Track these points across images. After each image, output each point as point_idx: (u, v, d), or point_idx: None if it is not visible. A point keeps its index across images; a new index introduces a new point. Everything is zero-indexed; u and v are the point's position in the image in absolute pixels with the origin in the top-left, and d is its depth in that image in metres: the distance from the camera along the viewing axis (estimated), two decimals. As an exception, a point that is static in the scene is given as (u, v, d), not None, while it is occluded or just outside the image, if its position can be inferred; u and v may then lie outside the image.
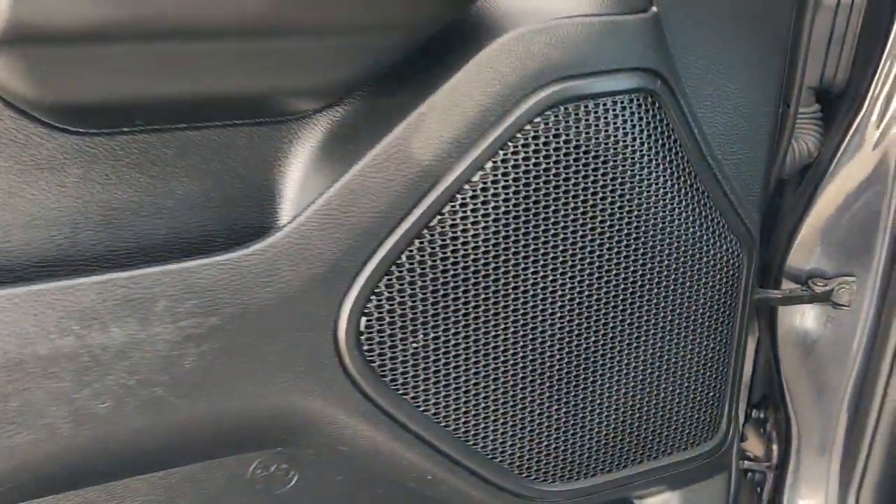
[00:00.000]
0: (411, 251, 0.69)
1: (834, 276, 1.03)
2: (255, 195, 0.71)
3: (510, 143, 0.68)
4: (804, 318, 1.08)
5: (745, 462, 1.19)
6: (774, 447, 1.18)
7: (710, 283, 0.83)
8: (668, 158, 0.75)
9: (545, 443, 0.82)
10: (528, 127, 0.68)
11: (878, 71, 0.93)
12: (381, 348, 0.71)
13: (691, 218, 0.78)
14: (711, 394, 0.90)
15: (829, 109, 1.00)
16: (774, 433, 1.18)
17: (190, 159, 0.69)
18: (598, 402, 0.83)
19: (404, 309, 0.70)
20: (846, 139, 0.97)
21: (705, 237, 0.80)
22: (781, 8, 0.82)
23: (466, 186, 0.69)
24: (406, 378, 0.73)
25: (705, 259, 0.81)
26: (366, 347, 0.70)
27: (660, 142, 0.74)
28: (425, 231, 0.69)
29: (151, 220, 0.69)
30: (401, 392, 0.73)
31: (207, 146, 0.69)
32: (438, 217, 0.69)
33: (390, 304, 0.70)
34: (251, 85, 0.65)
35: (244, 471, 0.78)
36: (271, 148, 0.71)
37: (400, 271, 0.69)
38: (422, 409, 0.75)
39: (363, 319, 0.69)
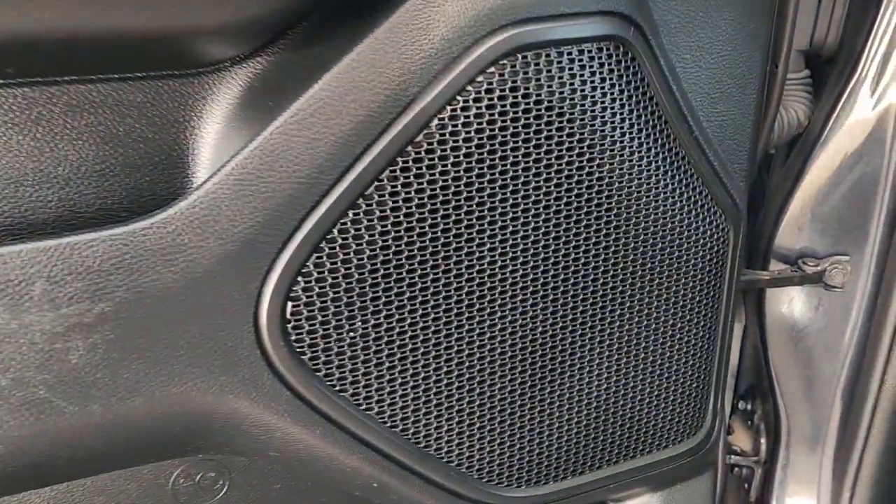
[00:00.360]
0: (345, 223, 0.59)
1: (826, 256, 0.98)
2: (163, 161, 0.61)
3: (459, 98, 0.59)
4: (794, 301, 1.04)
5: (732, 457, 1.16)
6: (763, 441, 1.15)
7: (693, 262, 0.74)
8: (642, 118, 0.66)
9: (508, 443, 0.74)
10: (480, 78, 0.59)
11: (874, 30, 0.88)
12: (312, 338, 0.62)
13: (670, 187, 0.70)
14: (695, 385, 0.82)
15: (819, 75, 0.95)
16: (762, 426, 1.15)
17: (84, 119, 0.59)
18: (568, 396, 0.75)
19: (338, 291, 0.61)
20: (839, 106, 0.92)
21: (686, 209, 0.71)
22: None
23: (409, 148, 0.59)
24: (343, 372, 0.64)
25: (687, 234, 0.73)
26: (294, 337, 0.61)
27: (633, 98, 0.65)
28: (361, 200, 0.59)
29: (39, 191, 0.58)
30: (337, 389, 0.64)
31: (104, 103, 0.59)
32: (376, 184, 0.59)
33: (321, 286, 0.60)
34: (151, 24, 0.55)
35: (164, 481, 0.69)
36: (182, 105, 0.61)
37: (332, 247, 0.60)
38: (363, 408, 0.65)
39: (289, 304, 0.60)
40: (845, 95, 0.91)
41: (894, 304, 0.94)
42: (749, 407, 1.16)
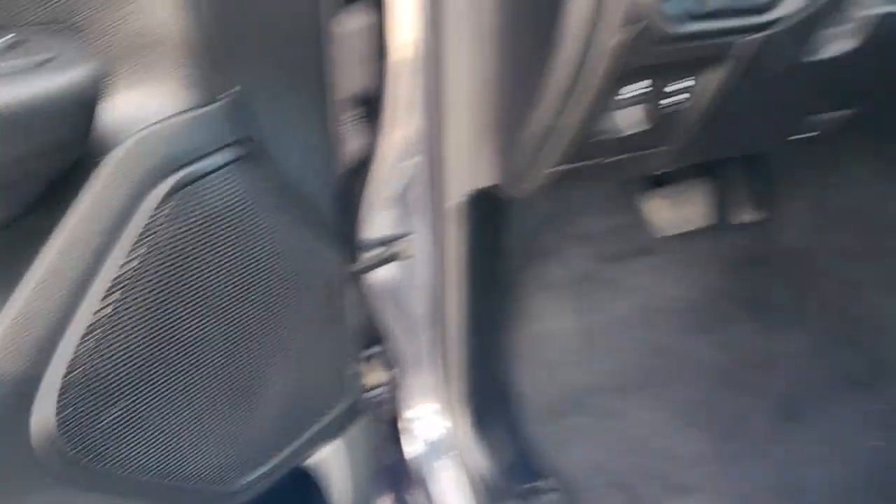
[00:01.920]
0: (80, 349, 0.75)
1: (401, 237, 1.23)
2: None
3: (147, 231, 0.76)
4: (387, 273, 1.31)
5: (372, 392, 1.39)
6: (387, 374, 1.41)
7: (325, 286, 1.01)
8: (273, 202, 0.88)
9: (230, 450, 0.96)
10: (158, 214, 0.76)
11: (386, 80, 1.14)
12: (80, 434, 0.77)
13: (299, 242, 0.95)
14: (340, 362, 1.11)
15: (366, 111, 1.19)
16: (386, 364, 1.42)
17: None
18: (262, 407, 0.97)
19: (87, 398, 0.77)
20: (380, 132, 1.16)
21: (313, 258, 0.95)
22: (315, 54, 0.94)
23: (120, 278, 0.76)
24: (106, 450, 0.81)
25: (316, 270, 0.97)
26: (61, 441, 0.76)
27: (264, 197, 0.85)
28: (90, 328, 0.75)
29: None
30: (107, 466, 0.81)
31: None
32: (97, 313, 0.76)
33: (75, 397, 0.76)
34: None
35: None
36: None
37: (75, 369, 0.75)
38: (124, 471, 0.84)
39: (55, 418, 0.75)
40: (383, 124, 1.16)
41: (445, 261, 1.22)
42: (375, 352, 1.39)
